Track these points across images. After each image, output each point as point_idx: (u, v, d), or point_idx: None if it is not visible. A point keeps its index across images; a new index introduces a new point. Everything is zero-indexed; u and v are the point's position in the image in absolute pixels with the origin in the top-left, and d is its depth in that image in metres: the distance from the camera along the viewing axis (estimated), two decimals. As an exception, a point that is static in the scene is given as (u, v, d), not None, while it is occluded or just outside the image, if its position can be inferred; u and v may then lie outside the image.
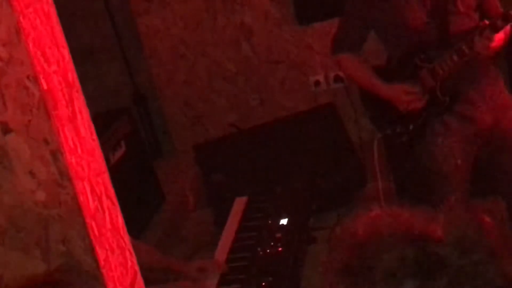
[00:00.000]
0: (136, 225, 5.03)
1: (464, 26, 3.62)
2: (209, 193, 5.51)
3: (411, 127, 3.79)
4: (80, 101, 2.01)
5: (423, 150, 3.80)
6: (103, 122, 5.16)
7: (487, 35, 3.48)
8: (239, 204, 4.13)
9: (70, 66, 2.00)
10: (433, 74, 3.67)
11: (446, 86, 3.68)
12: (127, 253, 2.15)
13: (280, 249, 3.48)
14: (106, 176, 2.13)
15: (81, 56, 6.22)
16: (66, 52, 1.99)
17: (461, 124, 3.72)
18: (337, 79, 6.11)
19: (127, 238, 2.17)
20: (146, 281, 2.25)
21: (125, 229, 2.17)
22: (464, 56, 3.58)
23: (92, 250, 1.98)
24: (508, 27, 3.56)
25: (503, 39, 3.54)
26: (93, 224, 1.99)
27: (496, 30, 3.48)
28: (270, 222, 3.77)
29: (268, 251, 3.49)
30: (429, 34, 3.63)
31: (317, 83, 6.20)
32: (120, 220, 2.15)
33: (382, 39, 3.83)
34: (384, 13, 3.67)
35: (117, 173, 4.88)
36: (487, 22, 3.49)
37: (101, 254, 2.01)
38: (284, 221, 3.74)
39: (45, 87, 1.87)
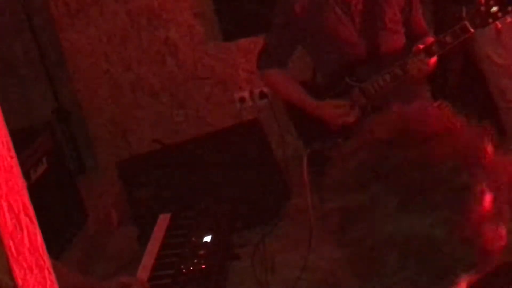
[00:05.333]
0: (59, 242, 4.95)
1: (393, 42, 3.68)
2: (133, 209, 5.47)
3: (340, 141, 3.81)
4: (-3, 117, 1.97)
5: None
6: (25, 138, 5.06)
7: (421, 59, 3.54)
8: (163, 220, 4.10)
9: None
10: (364, 94, 3.70)
11: (378, 104, 3.72)
12: (46, 272, 2.11)
13: (203, 266, 3.47)
14: (25, 194, 2.08)
15: (3, 70, 6.15)
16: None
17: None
18: (262, 95, 6.15)
19: (46, 257, 2.13)
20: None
21: (44, 248, 2.13)
22: (396, 78, 3.63)
23: (9, 270, 1.93)
24: None
25: (435, 62, 3.60)
26: (11, 243, 1.95)
27: (431, 54, 3.54)
28: (193, 239, 3.75)
29: (191, 268, 3.46)
30: (359, 50, 3.67)
31: (242, 99, 6.23)
32: (39, 238, 2.11)
33: (310, 55, 3.85)
34: (313, 28, 3.69)
35: (38, 190, 4.80)
36: (421, 46, 3.55)
37: (19, 273, 1.96)
38: (207, 238, 3.72)
39: (-40, 103, 1.82)
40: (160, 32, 6.15)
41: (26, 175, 2.04)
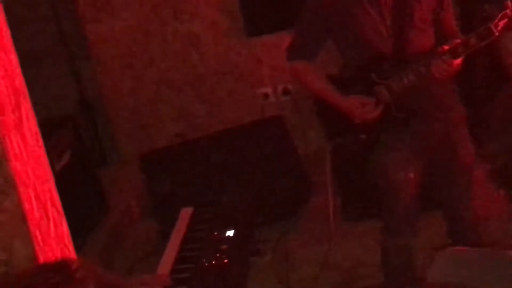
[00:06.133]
0: (80, 234, 4.97)
1: (421, 41, 3.65)
2: (154, 203, 5.48)
3: (363, 136, 3.80)
4: (27, 107, 1.99)
5: (375, 161, 3.83)
6: (48, 129, 5.08)
7: (446, 59, 3.52)
8: (185, 214, 4.10)
9: (18, 71, 1.97)
10: (389, 91, 3.69)
11: (402, 103, 3.71)
12: (71, 263, 2.12)
13: (225, 261, 3.46)
14: (52, 184, 2.10)
15: (27, 61, 6.17)
16: (14, 58, 1.96)
17: (414, 139, 3.75)
18: (285, 92, 6.14)
19: (71, 247, 2.14)
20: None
21: (70, 238, 2.15)
22: (421, 77, 3.61)
23: (35, 259, 1.94)
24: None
25: (460, 64, 3.58)
26: (37, 232, 1.96)
27: (456, 56, 3.52)
28: (215, 233, 3.76)
29: (213, 262, 3.47)
30: (387, 47, 3.65)
31: (265, 95, 6.22)
32: (65, 228, 2.12)
33: (338, 49, 3.83)
34: (342, 22, 3.68)
35: (61, 181, 4.80)
36: (446, 47, 3.53)
37: (44, 262, 1.98)
38: (230, 233, 3.72)
39: (-9, 92, 1.84)
40: (184, 27, 6.15)
41: (51, 166, 2.06)
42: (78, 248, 2.20)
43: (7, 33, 1.95)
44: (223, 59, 6.20)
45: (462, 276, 2.83)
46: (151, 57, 6.23)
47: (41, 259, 1.96)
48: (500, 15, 3.44)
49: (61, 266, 1.72)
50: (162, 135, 6.31)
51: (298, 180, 5.41)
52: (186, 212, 4.13)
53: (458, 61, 3.55)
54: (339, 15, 3.66)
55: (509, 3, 3.44)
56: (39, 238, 1.96)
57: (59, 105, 6.30)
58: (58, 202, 2.10)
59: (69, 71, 6.41)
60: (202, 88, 6.28)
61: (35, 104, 2.06)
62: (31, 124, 2.00)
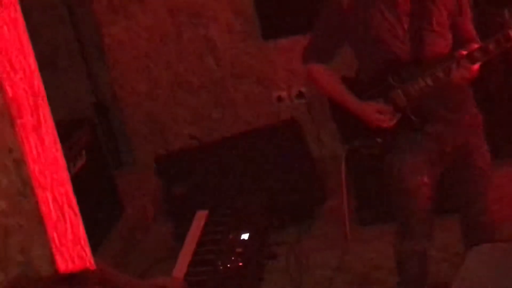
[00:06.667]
0: (95, 236, 4.99)
1: (439, 45, 3.65)
2: (169, 205, 5.50)
3: (379, 140, 3.80)
4: (45, 110, 2.00)
5: (390, 165, 3.82)
6: (64, 131, 5.12)
7: (464, 65, 3.51)
8: (200, 217, 4.11)
9: (36, 74, 1.98)
10: (406, 95, 3.68)
11: (418, 107, 3.70)
12: (88, 264, 2.13)
13: (240, 263, 3.48)
14: (69, 186, 2.11)
15: (44, 64, 6.20)
16: (32, 60, 1.97)
17: (430, 143, 3.75)
18: (300, 95, 6.14)
19: (88, 249, 2.15)
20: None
21: (86, 240, 2.16)
22: (438, 82, 3.61)
23: (52, 260, 1.96)
24: None
25: (478, 69, 3.58)
26: (55, 234, 1.97)
27: (474, 61, 3.52)
28: (230, 236, 3.77)
29: (228, 265, 3.48)
30: (404, 51, 3.64)
31: (279, 98, 6.22)
32: (82, 230, 2.13)
33: (355, 52, 3.83)
34: (359, 26, 3.68)
35: (77, 183, 4.83)
36: (464, 52, 3.53)
37: (61, 264, 1.99)
38: (244, 236, 3.73)
39: (10, 94, 1.85)
40: (200, 30, 6.17)
41: (67, 168, 2.09)
42: (93, 250, 2.22)
43: (26, 37, 1.97)
44: (239, 62, 6.21)
45: (496, 272, 2.81)
46: (167, 60, 6.25)
47: (58, 260, 1.98)
48: None
49: (77, 279, 1.73)
50: (177, 137, 6.33)
51: (313, 183, 5.41)
52: (201, 215, 4.14)
53: (476, 66, 3.55)
54: (356, 19, 3.66)
55: None
56: (56, 239, 1.98)
57: (76, 107, 6.33)
58: (74, 204, 2.11)
59: (85, 74, 6.44)
60: (217, 91, 6.30)
61: (51, 106, 2.08)
62: (49, 127, 2.01)
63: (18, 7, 1.97)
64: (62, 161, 2.09)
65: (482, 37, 3.68)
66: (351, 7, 3.66)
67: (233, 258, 3.52)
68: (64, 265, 2.00)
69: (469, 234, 3.99)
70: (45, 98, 2.02)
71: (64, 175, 2.10)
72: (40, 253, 1.95)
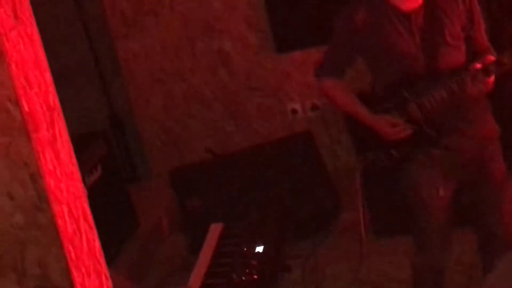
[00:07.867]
0: (110, 249, 5.00)
1: (453, 58, 3.64)
2: (184, 218, 5.51)
3: (394, 153, 3.79)
4: (60, 124, 2.01)
5: (406, 178, 3.82)
6: (79, 145, 5.12)
7: (479, 78, 3.51)
8: (215, 230, 4.12)
9: (52, 89, 2.00)
10: (421, 108, 3.68)
11: (433, 120, 3.70)
12: (103, 277, 2.14)
13: (255, 276, 3.48)
14: (84, 200, 2.13)
15: (59, 78, 6.23)
16: (48, 75, 1.99)
17: (445, 156, 3.74)
18: (313, 107, 6.15)
19: (103, 262, 2.16)
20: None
21: (102, 253, 2.17)
22: (453, 95, 3.60)
23: (68, 273, 1.97)
24: None
25: (493, 81, 3.57)
26: (70, 247, 1.98)
27: (489, 74, 3.52)
28: (245, 249, 3.77)
29: (243, 278, 3.48)
30: (418, 65, 3.64)
31: (294, 111, 6.23)
32: (97, 243, 2.14)
33: (369, 66, 3.83)
34: (373, 40, 3.68)
35: (92, 196, 4.84)
36: (479, 65, 3.52)
37: (77, 277, 2.00)
38: (259, 249, 3.73)
39: (26, 109, 1.86)
40: (214, 43, 6.19)
41: (82, 181, 2.10)
42: (109, 263, 2.22)
43: (41, 52, 1.98)
44: (253, 75, 6.23)
45: None
46: (181, 73, 6.27)
47: (74, 273, 1.99)
48: None
49: None
50: (192, 150, 6.34)
51: (327, 196, 5.41)
52: (216, 228, 4.15)
53: (491, 79, 3.55)
54: (370, 33, 3.67)
55: None
56: (72, 253, 1.99)
57: (90, 120, 6.36)
58: (90, 218, 2.13)
59: (100, 87, 6.47)
60: (231, 104, 6.31)
61: (67, 120, 2.09)
62: (64, 141, 2.02)
63: (34, 23, 1.98)
64: (77, 175, 2.10)
65: (496, 49, 3.67)
66: (364, 22, 3.66)
67: (247, 270, 3.52)
68: (80, 278, 2.01)
69: (485, 246, 3.97)
70: (61, 113, 2.04)
71: (80, 189, 2.11)
72: (56, 266, 1.96)
